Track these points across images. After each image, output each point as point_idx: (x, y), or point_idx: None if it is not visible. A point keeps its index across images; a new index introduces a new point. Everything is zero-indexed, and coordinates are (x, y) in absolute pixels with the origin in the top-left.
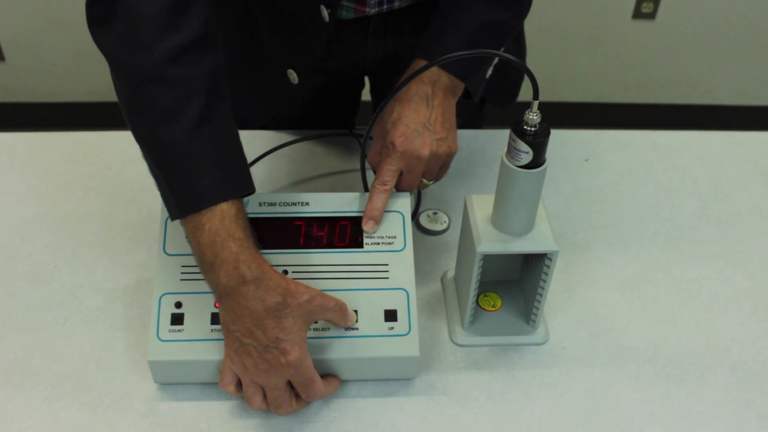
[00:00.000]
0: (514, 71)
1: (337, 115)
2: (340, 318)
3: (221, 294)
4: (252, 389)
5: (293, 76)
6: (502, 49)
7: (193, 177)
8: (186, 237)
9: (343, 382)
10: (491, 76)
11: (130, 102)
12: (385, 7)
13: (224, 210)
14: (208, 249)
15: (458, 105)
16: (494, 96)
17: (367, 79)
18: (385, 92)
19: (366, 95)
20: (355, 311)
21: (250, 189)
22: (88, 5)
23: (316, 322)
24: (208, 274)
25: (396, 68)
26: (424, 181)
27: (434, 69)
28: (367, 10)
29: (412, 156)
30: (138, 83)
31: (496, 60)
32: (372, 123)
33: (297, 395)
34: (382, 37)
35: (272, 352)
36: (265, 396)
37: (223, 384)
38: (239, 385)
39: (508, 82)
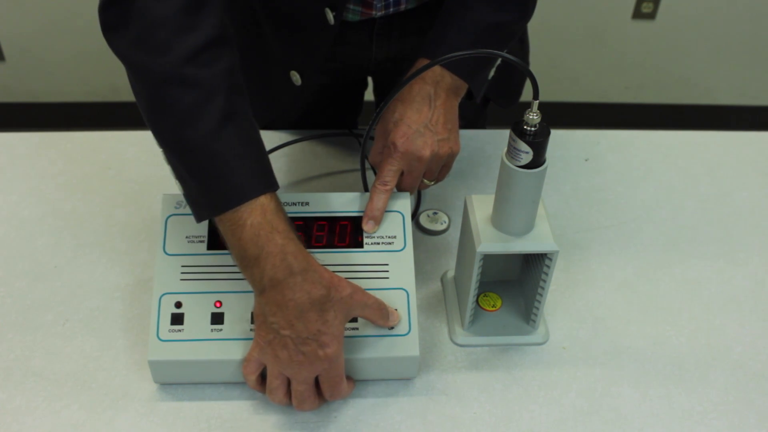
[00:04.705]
0: (518, 71)
1: (339, 116)
2: (379, 316)
3: (265, 287)
4: (278, 382)
5: (296, 77)
6: (505, 51)
7: (225, 174)
8: (221, 234)
9: None
10: (495, 75)
11: (151, 105)
12: (391, 9)
13: (264, 204)
14: (251, 244)
15: (461, 105)
16: (498, 95)
17: (370, 80)
18: (389, 93)
19: (369, 95)
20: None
21: (277, 183)
22: (102, 10)
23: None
24: (251, 268)
25: (400, 69)
26: (425, 181)
27: (437, 69)
28: (374, 12)
29: (414, 156)
30: (158, 86)
31: (498, 61)
32: (372, 123)
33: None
34: (386, 39)
35: (311, 344)
36: (287, 391)
37: (246, 372)
38: (261, 377)
39: (512, 82)
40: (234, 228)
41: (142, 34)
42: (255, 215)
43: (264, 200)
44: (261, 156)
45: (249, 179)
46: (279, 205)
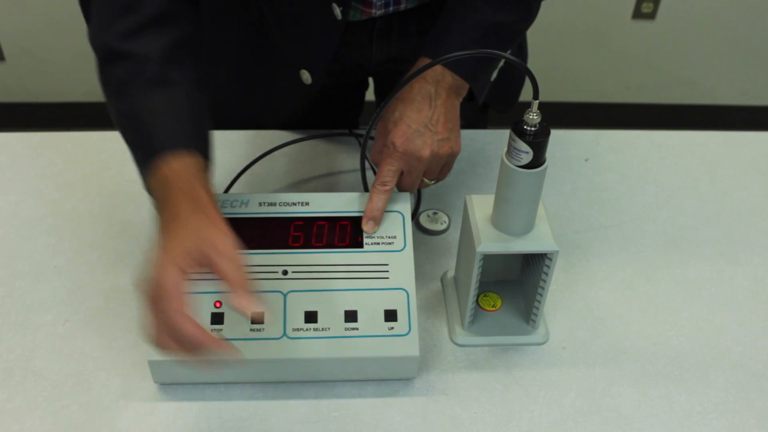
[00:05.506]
0: (516, 75)
1: (340, 116)
2: (228, 273)
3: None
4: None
5: (306, 76)
6: (509, 52)
7: (147, 133)
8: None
9: (343, 382)
10: (492, 80)
11: (100, 83)
12: (390, 8)
13: (186, 161)
14: (158, 193)
15: (462, 107)
16: (495, 100)
17: (371, 80)
18: (389, 93)
19: (370, 95)
20: (355, 311)
21: (206, 151)
22: (81, 7)
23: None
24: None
25: (400, 70)
26: (426, 180)
27: (439, 68)
28: (373, 11)
29: (413, 156)
30: (102, 63)
31: (501, 63)
32: (372, 123)
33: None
34: (386, 39)
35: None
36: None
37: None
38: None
39: (510, 87)
40: (155, 186)
41: (96, 19)
42: (172, 168)
43: (187, 159)
44: (190, 121)
45: (167, 135)
46: (202, 167)
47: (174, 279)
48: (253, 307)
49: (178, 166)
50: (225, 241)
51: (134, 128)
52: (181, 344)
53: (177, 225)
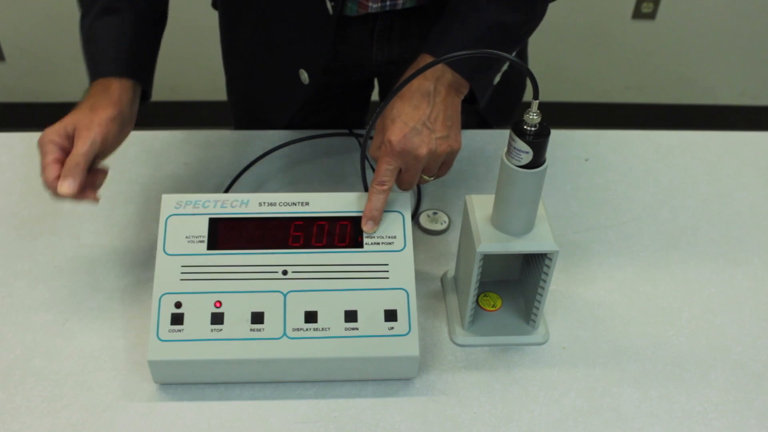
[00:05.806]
0: (514, 86)
1: (345, 116)
2: (69, 159)
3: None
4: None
5: (304, 76)
6: (513, 54)
7: (92, 57)
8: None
9: (343, 382)
10: (490, 94)
11: (77, 4)
12: (387, 4)
13: (121, 80)
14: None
15: (464, 117)
16: (493, 110)
17: (376, 81)
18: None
19: (376, 96)
20: (355, 311)
21: (142, 76)
22: None
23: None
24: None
25: (403, 72)
26: (425, 177)
27: (438, 65)
28: (370, 4)
29: (410, 155)
30: None
31: (505, 67)
32: (372, 122)
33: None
34: (387, 40)
35: None
36: None
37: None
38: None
39: (510, 97)
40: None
41: None
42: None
43: (116, 82)
44: (129, 48)
45: (105, 61)
46: (127, 82)
47: (46, 143)
48: (63, 189)
49: (113, 79)
50: (87, 136)
51: (87, 49)
52: (51, 189)
53: (75, 109)
